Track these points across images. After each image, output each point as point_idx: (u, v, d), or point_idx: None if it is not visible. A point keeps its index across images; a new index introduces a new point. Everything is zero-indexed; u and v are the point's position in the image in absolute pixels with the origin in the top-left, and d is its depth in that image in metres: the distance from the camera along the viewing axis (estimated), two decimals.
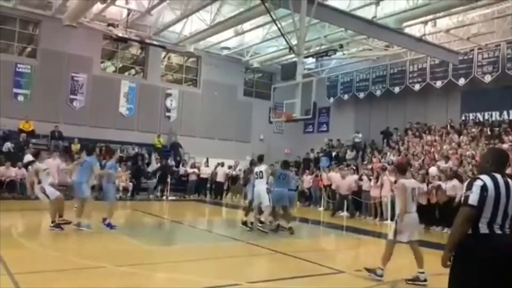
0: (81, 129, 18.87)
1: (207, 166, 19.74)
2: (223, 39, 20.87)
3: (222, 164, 19.21)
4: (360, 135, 21.40)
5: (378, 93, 21.61)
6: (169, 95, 22.49)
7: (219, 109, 23.29)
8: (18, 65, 18.71)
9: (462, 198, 3.04)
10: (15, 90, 18.54)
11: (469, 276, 2.88)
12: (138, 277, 5.68)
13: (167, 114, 22.40)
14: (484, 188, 2.94)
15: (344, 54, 20.19)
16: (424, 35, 16.42)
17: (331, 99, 24.07)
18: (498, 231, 2.94)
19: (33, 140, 17.48)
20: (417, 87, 19.83)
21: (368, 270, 6.03)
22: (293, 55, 18.63)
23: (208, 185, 19.63)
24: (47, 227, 8.71)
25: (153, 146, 20.65)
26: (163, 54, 22.70)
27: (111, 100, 20.58)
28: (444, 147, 15.94)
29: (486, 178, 3.00)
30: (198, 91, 23.59)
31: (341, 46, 18.38)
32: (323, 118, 24.79)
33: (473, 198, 2.94)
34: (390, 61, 20.71)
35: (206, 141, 22.25)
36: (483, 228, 2.94)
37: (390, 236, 5.97)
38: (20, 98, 18.63)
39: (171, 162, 19.44)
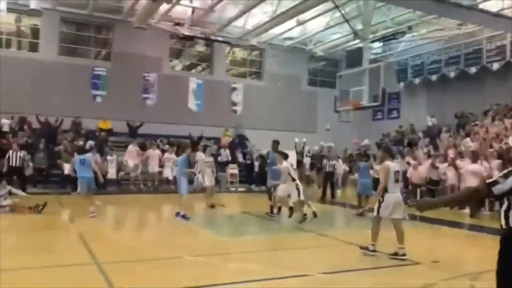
0: (154, 126, 19.77)
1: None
2: (286, 30, 20.77)
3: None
4: (433, 119, 20.35)
5: (451, 75, 20.34)
6: (235, 89, 22.88)
7: (284, 100, 23.28)
8: (95, 68, 20.04)
9: (491, 180, 2.80)
10: (93, 92, 19.90)
11: None
12: (211, 267, 5.89)
13: (233, 108, 22.82)
14: None
15: (413, 36, 19.26)
16: (503, 9, 15.15)
17: (401, 84, 23.09)
18: None
19: (112, 138, 18.66)
20: (495, 66, 18.39)
21: (361, 247, 6.65)
22: (358, 41, 18.17)
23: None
24: (128, 219, 9.28)
25: (221, 140, 21.15)
26: (228, 49, 23.11)
27: (180, 97, 21.34)
28: None
29: None
30: (262, 84, 23.75)
31: (410, 28, 17.55)
32: (393, 103, 23.85)
33: (501, 188, 2.69)
34: (464, 40, 19.38)
35: (271, 133, 22.22)
36: None
37: (374, 213, 6.58)
38: (98, 99, 19.96)
39: (238, 154, 19.79)
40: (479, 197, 2.67)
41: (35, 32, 19.65)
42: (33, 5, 17.39)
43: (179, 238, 8.24)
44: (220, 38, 20.65)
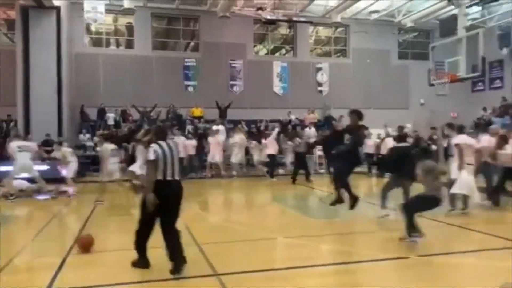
0: (243, 112, 20.26)
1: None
2: (371, 3, 19.89)
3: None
4: None
5: None
6: (320, 69, 22.56)
7: (372, 76, 22.43)
8: (186, 60, 21.06)
9: None
10: (186, 83, 20.98)
11: None
12: (305, 249, 5.98)
13: (319, 88, 22.55)
14: None
15: None
16: None
17: (504, 50, 20.93)
18: None
19: (206, 125, 19.49)
20: None
21: None
22: (452, 7, 16.80)
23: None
24: (218, 202, 9.72)
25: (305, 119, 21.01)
26: (311, 29, 22.79)
27: (266, 81, 21.63)
28: None
29: None
30: (348, 61, 23.09)
31: None
32: (496, 72, 21.78)
33: None
34: None
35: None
36: None
37: None
38: (190, 89, 21.01)
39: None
40: None
41: (130, 30, 21.11)
42: (126, 4, 18.71)
43: (272, 219, 8.46)
44: (302, 19, 20.39)
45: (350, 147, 7.54)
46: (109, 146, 10.97)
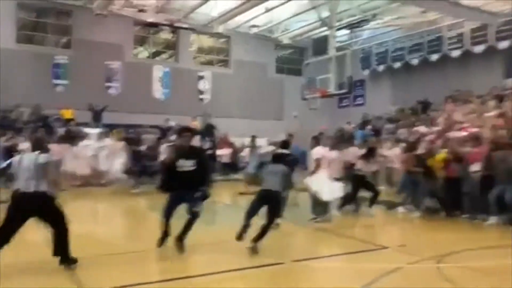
0: (120, 116, 19.22)
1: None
2: (252, 17, 20.62)
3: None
4: (397, 107, 20.81)
5: (415, 62, 20.82)
6: (202, 77, 22.62)
7: (251, 88, 23.22)
8: (55, 57, 19.29)
9: None
10: (55, 81, 19.19)
11: None
12: (179, 259, 5.83)
13: (201, 96, 22.58)
14: None
15: (377, 23, 19.55)
16: None
17: (366, 71, 23.47)
18: None
19: (80, 128, 17.99)
20: (455, 53, 18.94)
21: None
22: (325, 29, 18.25)
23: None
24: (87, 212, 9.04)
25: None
26: (194, 36, 22.75)
27: (146, 85, 20.92)
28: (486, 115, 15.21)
29: None
30: (229, 72, 23.58)
31: (374, 16, 17.77)
32: (358, 91, 24.23)
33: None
34: (426, 28, 19.80)
35: (240, 121, 22.25)
36: None
37: None
38: (60, 88, 19.28)
39: (205, 144, 19.53)
40: None
41: None
42: None
43: (146, 230, 8.10)
44: (185, 25, 20.27)
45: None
46: None
